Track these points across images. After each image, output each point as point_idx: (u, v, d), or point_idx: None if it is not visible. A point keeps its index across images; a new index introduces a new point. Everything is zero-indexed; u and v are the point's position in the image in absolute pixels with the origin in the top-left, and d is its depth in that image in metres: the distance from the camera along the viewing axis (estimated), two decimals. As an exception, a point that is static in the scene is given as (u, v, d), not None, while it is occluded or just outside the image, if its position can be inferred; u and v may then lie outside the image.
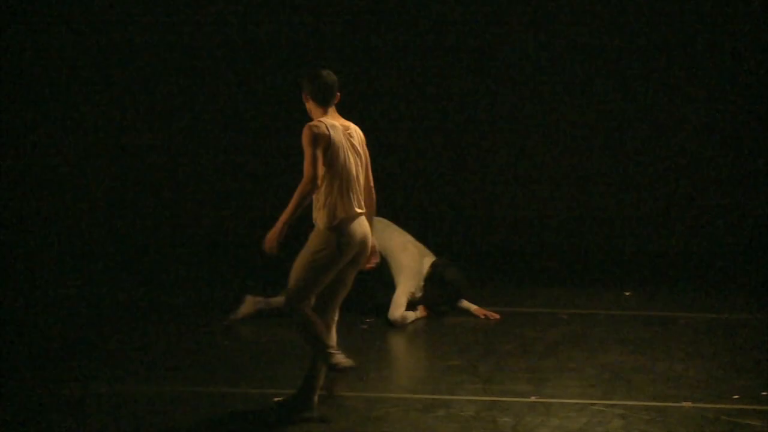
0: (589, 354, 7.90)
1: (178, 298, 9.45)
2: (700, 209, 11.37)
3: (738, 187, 11.32)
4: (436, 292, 8.74)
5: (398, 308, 8.57)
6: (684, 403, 6.87)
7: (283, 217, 6.46)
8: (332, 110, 6.71)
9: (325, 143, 6.51)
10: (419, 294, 8.74)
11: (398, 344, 8.13)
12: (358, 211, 6.65)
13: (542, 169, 11.53)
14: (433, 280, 8.71)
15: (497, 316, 8.80)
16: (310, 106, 6.68)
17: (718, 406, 6.85)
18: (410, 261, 8.74)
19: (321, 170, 6.48)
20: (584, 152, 11.50)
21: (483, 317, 8.79)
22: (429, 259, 8.83)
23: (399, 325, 8.54)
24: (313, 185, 6.44)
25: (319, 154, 6.49)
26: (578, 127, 11.48)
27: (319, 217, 6.61)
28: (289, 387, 6.94)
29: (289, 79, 10.98)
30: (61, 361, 7.69)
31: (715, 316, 8.90)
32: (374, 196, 6.87)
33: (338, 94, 6.73)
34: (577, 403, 6.89)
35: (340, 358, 6.50)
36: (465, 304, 8.92)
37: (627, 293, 9.67)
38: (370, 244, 6.73)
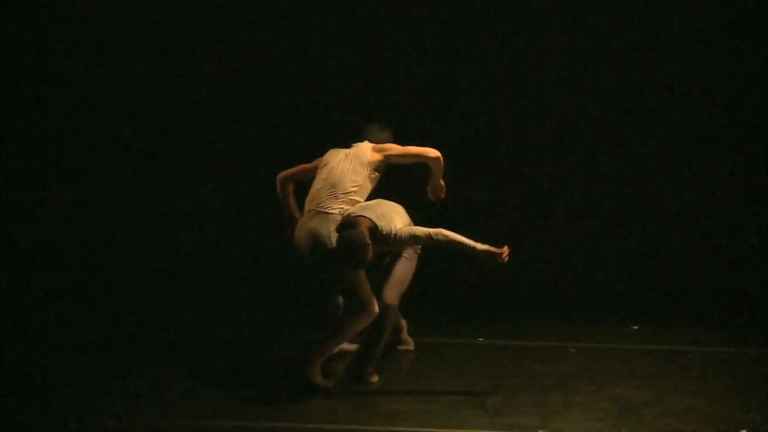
0: (597, 388, 7.88)
1: (193, 330, 9.48)
2: (710, 243, 11.35)
3: (749, 219, 11.30)
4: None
5: None
6: (692, 437, 6.87)
7: None
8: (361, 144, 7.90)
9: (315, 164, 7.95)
10: None
11: (405, 379, 8.12)
12: (308, 209, 7.67)
13: (552, 201, 11.53)
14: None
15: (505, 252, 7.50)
16: None
17: (726, 440, 6.85)
18: None
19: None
20: (594, 186, 11.49)
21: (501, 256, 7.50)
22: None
23: None
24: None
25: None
26: (588, 161, 11.48)
27: None
28: (307, 420, 6.96)
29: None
30: (68, 392, 7.69)
31: (724, 350, 8.87)
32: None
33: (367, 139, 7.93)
34: (585, 437, 6.89)
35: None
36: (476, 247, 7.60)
37: (635, 327, 9.65)
38: (311, 240, 7.51)
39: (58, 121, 11.67)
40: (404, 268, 7.86)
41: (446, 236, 7.48)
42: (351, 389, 7.72)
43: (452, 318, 9.97)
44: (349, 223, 7.39)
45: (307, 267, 7.71)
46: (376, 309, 7.51)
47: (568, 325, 9.73)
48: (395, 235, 7.49)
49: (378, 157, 7.79)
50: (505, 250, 7.47)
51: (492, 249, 7.46)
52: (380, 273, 7.85)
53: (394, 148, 7.83)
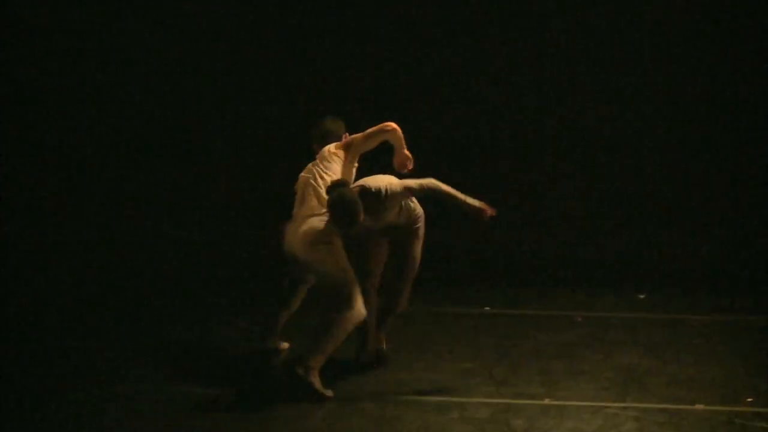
0: (602, 357, 7.89)
1: (201, 299, 9.49)
2: (714, 210, 11.35)
3: (752, 187, 11.29)
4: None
5: None
6: (697, 406, 6.87)
7: None
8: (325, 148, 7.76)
9: None
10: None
11: (412, 348, 8.14)
12: (300, 214, 7.49)
13: (555, 170, 11.53)
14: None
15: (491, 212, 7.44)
16: None
17: (731, 408, 6.84)
18: None
19: None
20: (596, 156, 11.50)
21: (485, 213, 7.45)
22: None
23: None
24: None
25: None
26: (589, 129, 11.48)
27: None
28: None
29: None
30: (82, 360, 7.74)
31: (729, 318, 8.88)
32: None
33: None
34: (590, 406, 6.90)
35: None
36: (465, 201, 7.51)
37: (641, 296, 9.66)
38: (307, 237, 7.32)
39: (55, 120, 11.65)
40: (413, 255, 7.75)
41: (438, 186, 7.39)
42: (358, 358, 7.74)
43: (459, 287, 9.97)
44: (337, 184, 7.35)
45: (302, 268, 7.57)
46: (364, 311, 7.30)
47: (573, 295, 9.73)
48: (386, 190, 7.38)
49: (342, 153, 7.66)
50: (492, 211, 7.40)
51: (482, 205, 7.38)
52: (391, 262, 7.74)
53: (356, 138, 7.70)
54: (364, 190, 7.36)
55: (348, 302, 7.23)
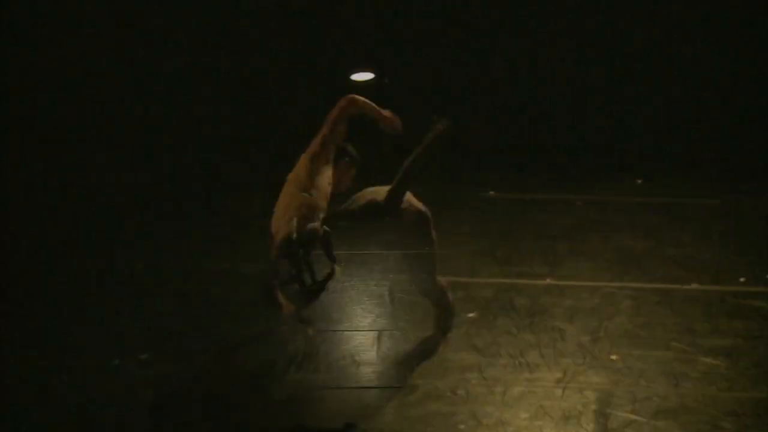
0: (602, 239, 8.03)
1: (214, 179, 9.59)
2: (716, 91, 11.35)
3: (756, 65, 11.31)
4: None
5: None
6: (692, 285, 7.05)
7: None
8: None
9: None
10: None
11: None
12: None
13: (549, 53, 11.55)
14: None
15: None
16: None
17: (724, 288, 7.05)
18: None
19: None
20: (597, 41, 11.51)
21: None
22: None
23: None
24: None
25: None
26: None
27: None
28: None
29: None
30: (97, 238, 7.87)
31: (726, 202, 8.92)
32: None
33: None
34: (589, 286, 7.09)
35: None
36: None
37: (639, 181, 9.73)
38: None
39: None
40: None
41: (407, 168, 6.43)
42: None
43: (462, 171, 10.00)
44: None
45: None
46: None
47: (574, 180, 9.76)
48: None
49: (312, 155, 6.31)
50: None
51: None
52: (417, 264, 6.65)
53: (323, 131, 6.40)
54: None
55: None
